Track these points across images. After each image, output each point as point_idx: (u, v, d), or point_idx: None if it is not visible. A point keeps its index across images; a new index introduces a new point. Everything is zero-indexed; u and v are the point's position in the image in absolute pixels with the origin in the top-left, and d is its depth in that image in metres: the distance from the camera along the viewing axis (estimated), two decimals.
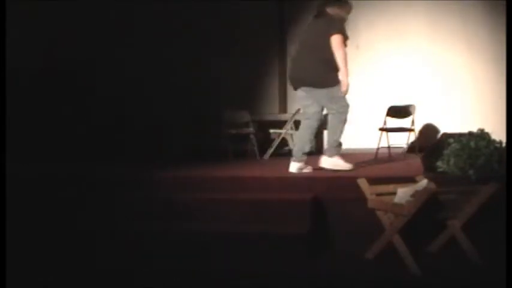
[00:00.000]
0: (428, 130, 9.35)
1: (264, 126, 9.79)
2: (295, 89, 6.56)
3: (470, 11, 9.61)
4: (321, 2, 6.44)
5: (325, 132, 6.74)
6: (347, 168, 6.35)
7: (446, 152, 4.67)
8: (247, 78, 10.36)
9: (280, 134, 9.28)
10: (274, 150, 9.19)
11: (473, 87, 9.61)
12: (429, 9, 9.76)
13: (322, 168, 6.38)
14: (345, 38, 6.25)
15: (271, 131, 9.75)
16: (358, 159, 7.78)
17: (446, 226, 4.90)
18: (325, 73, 6.26)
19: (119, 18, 10.27)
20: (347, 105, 6.33)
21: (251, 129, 9.57)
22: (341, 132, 6.41)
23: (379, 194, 4.93)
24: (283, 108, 10.17)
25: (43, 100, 9.69)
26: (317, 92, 6.34)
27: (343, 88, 6.21)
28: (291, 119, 9.17)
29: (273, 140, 9.40)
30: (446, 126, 8.88)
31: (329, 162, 6.41)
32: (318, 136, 9.76)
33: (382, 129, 8.83)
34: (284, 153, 9.69)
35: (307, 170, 6.47)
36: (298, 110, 9.13)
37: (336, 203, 5.44)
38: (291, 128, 9.15)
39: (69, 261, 4.95)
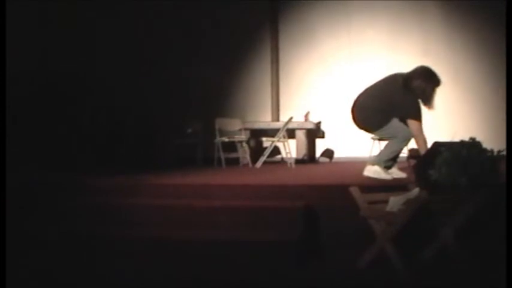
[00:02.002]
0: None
1: (256, 134, 9.81)
2: None
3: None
4: (409, 74, 6.33)
5: None
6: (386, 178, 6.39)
7: (438, 160, 4.67)
8: (240, 86, 10.39)
9: (272, 142, 9.28)
10: (267, 158, 9.19)
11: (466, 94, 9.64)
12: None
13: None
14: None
15: (264, 139, 9.76)
16: (350, 167, 7.78)
17: (438, 234, 4.90)
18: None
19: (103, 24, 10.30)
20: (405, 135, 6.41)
21: (243, 137, 9.59)
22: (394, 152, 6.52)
23: (371, 202, 4.93)
24: (276, 117, 10.18)
25: None
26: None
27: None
28: (284, 127, 9.17)
29: (266, 148, 9.40)
30: (437, 135, 8.88)
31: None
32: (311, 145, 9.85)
33: (374, 138, 8.83)
34: (276, 161, 9.72)
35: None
36: (291, 118, 9.15)
37: (328, 210, 5.43)
38: (284, 137, 9.15)
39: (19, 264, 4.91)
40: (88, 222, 5.60)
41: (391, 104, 6.34)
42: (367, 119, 6.50)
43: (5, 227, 4.64)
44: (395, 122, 6.41)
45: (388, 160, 6.51)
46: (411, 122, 6.28)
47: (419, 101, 6.24)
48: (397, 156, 6.56)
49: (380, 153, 6.68)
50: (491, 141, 8.55)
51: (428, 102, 6.23)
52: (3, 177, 5.15)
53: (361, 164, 8.41)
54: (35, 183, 6.63)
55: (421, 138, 6.21)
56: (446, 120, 9.17)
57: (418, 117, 6.26)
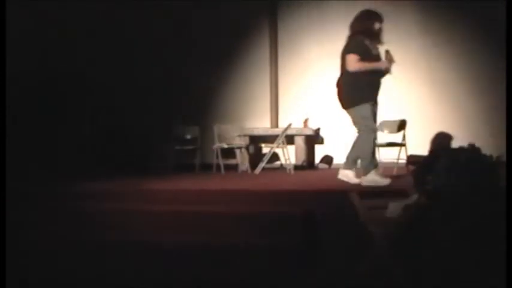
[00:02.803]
0: (420, 145, 9.35)
1: (255, 140, 9.82)
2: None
3: None
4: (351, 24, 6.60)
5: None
6: (353, 182, 6.49)
7: (437, 166, 4.67)
8: (239, 92, 10.41)
9: (271, 148, 9.29)
10: (266, 165, 9.19)
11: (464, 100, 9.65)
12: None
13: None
14: (365, 53, 6.39)
15: (263, 145, 9.77)
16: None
17: (436, 239, 4.89)
18: (347, 94, 6.48)
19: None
20: (369, 127, 6.45)
21: (242, 143, 9.60)
22: (371, 150, 6.51)
23: (370, 208, 4.93)
24: (275, 123, 10.19)
25: None
26: (348, 113, 6.55)
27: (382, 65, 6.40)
28: (283, 133, 9.17)
29: (265, 154, 9.41)
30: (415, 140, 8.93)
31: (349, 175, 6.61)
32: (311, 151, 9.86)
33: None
34: (275, 167, 9.73)
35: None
36: (290, 124, 9.16)
37: (327, 216, 5.43)
38: (283, 143, 9.16)
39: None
40: (80, 226, 5.59)
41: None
42: (340, 95, 6.58)
43: (5, 229, 4.63)
44: (364, 110, 6.41)
45: (371, 159, 6.51)
46: (347, 57, 6.39)
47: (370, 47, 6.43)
48: (373, 152, 6.56)
49: (361, 161, 6.60)
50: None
51: (378, 38, 6.47)
52: (3, 178, 5.13)
53: (360, 170, 8.47)
54: (30, 186, 6.64)
55: (355, 68, 6.34)
56: (423, 127, 9.34)
57: (353, 51, 6.36)
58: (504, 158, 4.75)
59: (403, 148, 8.78)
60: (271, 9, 10.26)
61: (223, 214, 5.59)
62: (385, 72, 6.49)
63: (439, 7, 9.74)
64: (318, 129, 9.96)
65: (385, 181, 6.44)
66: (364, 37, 6.46)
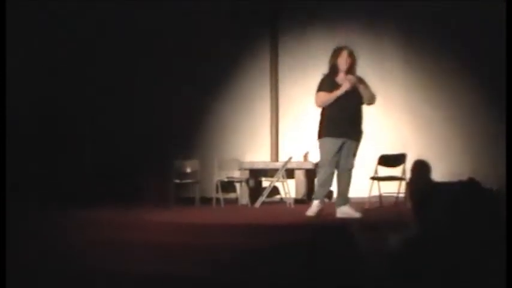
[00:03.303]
0: (419, 179, 9.33)
1: (255, 174, 9.81)
2: None
3: None
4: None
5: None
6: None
7: (436, 201, 4.66)
8: (239, 126, 10.42)
9: (271, 182, 9.28)
10: (266, 198, 9.17)
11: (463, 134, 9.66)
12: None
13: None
14: (332, 89, 6.65)
15: (263, 178, 9.76)
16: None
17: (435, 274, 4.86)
18: (318, 128, 6.81)
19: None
20: (323, 161, 6.78)
21: (242, 177, 9.59)
22: (320, 182, 6.93)
23: (370, 242, 4.90)
24: (275, 157, 10.18)
25: None
26: None
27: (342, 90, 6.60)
28: (283, 167, 9.18)
29: (265, 188, 9.39)
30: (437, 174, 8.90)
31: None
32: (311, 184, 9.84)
33: (373, 178, 8.85)
34: (275, 201, 9.70)
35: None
36: (290, 158, 9.17)
37: (326, 249, 5.39)
38: (283, 177, 9.15)
39: None
40: (73, 256, 5.55)
41: None
42: None
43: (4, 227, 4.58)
44: (323, 144, 6.73)
45: (322, 191, 6.89)
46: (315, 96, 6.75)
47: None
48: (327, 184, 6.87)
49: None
50: (439, 166, 8.74)
51: (351, 71, 6.67)
52: (3, 184, 5.11)
53: (360, 204, 8.45)
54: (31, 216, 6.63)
55: (319, 104, 6.73)
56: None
57: (317, 90, 6.72)
58: (504, 190, 4.73)
59: (403, 182, 8.76)
60: (272, 40, 10.31)
61: (220, 246, 5.56)
62: (352, 95, 6.61)
63: (422, 42, 9.82)
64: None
65: (357, 214, 6.67)
66: (332, 73, 6.69)
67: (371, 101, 6.78)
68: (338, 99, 6.58)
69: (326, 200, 9.98)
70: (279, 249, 5.39)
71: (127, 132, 10.56)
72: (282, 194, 9.55)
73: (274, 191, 9.61)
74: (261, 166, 9.82)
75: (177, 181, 9.65)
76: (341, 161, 6.73)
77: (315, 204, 6.79)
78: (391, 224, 5.64)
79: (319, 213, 6.76)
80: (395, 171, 8.91)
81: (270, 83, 10.22)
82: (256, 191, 9.60)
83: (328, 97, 6.59)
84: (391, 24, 9.91)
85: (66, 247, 5.74)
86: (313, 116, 10.02)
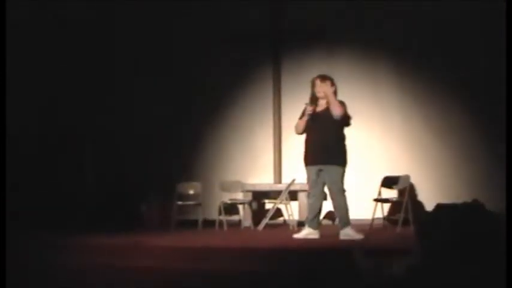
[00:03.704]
0: (423, 201, 9.29)
1: (258, 196, 9.75)
2: None
3: None
4: None
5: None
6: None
7: (439, 224, 4.62)
8: (242, 148, 10.39)
9: (274, 204, 9.22)
10: (269, 221, 9.11)
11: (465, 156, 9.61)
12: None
13: None
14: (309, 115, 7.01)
15: (266, 201, 9.70)
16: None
17: None
18: None
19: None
20: (309, 189, 7.21)
21: (245, 199, 9.54)
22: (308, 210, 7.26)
23: (374, 266, 4.84)
24: (278, 179, 10.12)
25: None
26: None
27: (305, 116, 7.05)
28: (286, 189, 9.13)
29: (268, 210, 9.33)
30: (440, 197, 8.84)
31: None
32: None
33: (376, 200, 8.79)
34: (279, 223, 9.63)
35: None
36: (293, 180, 9.12)
37: (328, 275, 5.33)
38: (286, 199, 9.10)
39: None
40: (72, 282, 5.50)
41: None
42: None
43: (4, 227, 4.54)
44: (307, 173, 7.20)
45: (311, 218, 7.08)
46: None
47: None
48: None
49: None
50: (439, 188, 8.68)
51: (319, 94, 7.04)
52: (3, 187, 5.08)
53: (364, 226, 8.39)
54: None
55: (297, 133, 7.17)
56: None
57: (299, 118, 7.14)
58: (504, 213, 4.70)
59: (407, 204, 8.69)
60: (275, 63, 10.29)
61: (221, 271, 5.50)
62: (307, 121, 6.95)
63: (416, 65, 9.82)
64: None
65: (358, 236, 6.80)
66: (312, 102, 7.01)
67: (336, 112, 6.87)
68: (312, 127, 6.89)
69: (330, 222, 9.97)
70: (278, 273, 5.34)
71: (129, 155, 10.55)
72: (285, 216, 9.51)
73: (278, 213, 9.56)
74: (264, 188, 9.77)
75: (180, 203, 9.59)
76: (327, 187, 6.95)
77: (305, 231, 7.04)
78: (394, 248, 5.56)
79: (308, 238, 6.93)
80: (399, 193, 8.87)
81: (272, 106, 10.19)
82: (259, 213, 9.54)
83: (297, 126, 7.08)
84: (386, 48, 9.90)
85: (60, 272, 5.70)
86: None
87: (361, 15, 9.81)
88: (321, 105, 6.99)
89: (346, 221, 6.91)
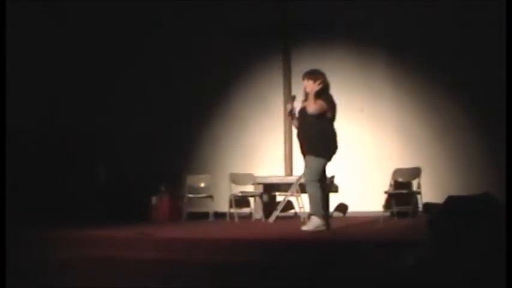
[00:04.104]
0: (435, 193, 9.24)
1: (269, 188, 9.74)
2: None
3: None
4: None
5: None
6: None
7: (452, 216, 4.59)
8: (253, 141, 10.38)
9: (285, 196, 9.21)
10: (280, 213, 9.10)
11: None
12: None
13: None
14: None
15: (277, 193, 9.69)
16: (364, 222, 7.69)
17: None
18: None
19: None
20: None
21: (256, 192, 9.54)
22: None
23: (383, 258, 4.84)
24: (289, 171, 10.11)
25: None
26: None
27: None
28: (297, 182, 9.11)
29: (279, 202, 9.32)
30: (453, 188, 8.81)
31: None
32: None
33: (387, 193, 8.77)
34: (290, 216, 9.63)
35: None
36: None
37: (336, 266, 5.32)
38: (297, 191, 9.08)
39: None
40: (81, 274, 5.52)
41: None
42: None
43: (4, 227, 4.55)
44: None
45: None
46: None
47: None
48: None
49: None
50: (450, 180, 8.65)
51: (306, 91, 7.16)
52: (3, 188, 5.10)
53: (374, 218, 8.38)
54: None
55: None
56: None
57: None
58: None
59: (418, 196, 8.68)
60: (285, 55, 10.27)
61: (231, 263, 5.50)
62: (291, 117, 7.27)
63: (410, 63, 9.87)
64: (333, 177, 9.85)
65: (322, 227, 6.88)
66: (305, 99, 7.13)
67: (309, 110, 7.01)
68: (299, 122, 7.21)
69: (341, 215, 9.97)
70: (289, 265, 5.33)
71: (139, 147, 10.59)
72: (296, 209, 9.49)
73: (289, 205, 9.55)
74: (275, 180, 9.75)
75: (190, 195, 9.61)
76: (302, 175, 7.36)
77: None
78: (405, 240, 5.54)
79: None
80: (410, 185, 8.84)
81: (283, 98, 10.17)
82: (270, 205, 9.53)
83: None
84: (380, 43, 9.94)
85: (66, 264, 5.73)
86: None
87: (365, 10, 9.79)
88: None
89: (317, 211, 6.97)
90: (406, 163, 9.16)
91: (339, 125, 9.89)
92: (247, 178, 9.62)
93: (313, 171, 6.97)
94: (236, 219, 9.12)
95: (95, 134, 10.48)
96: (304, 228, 6.95)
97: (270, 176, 9.83)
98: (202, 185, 9.79)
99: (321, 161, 6.98)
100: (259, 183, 9.65)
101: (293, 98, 7.35)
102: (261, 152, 10.35)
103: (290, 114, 7.24)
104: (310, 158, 6.96)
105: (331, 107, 7.10)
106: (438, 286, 4.64)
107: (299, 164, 9.91)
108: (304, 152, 7.06)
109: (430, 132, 9.61)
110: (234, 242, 6.34)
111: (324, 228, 6.88)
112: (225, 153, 10.46)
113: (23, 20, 9.21)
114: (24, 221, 8.06)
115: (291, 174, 9.99)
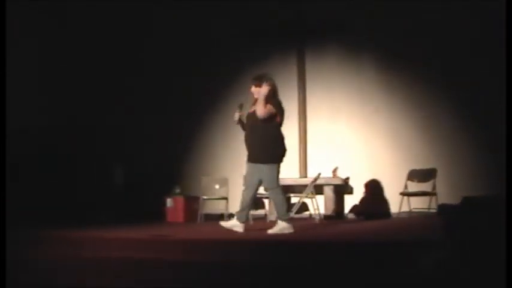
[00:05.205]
0: (450, 193, 9.22)
1: (284, 190, 9.71)
2: None
3: None
4: None
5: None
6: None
7: (466, 216, 4.59)
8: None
9: (300, 198, 9.21)
10: (295, 215, 9.10)
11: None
12: None
13: None
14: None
15: (292, 195, 9.68)
16: (379, 223, 7.68)
17: None
18: None
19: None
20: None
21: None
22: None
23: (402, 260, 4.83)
24: (304, 173, 10.11)
25: None
26: None
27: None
28: (312, 183, 9.11)
29: (293, 204, 9.32)
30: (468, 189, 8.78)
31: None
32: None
33: (403, 194, 8.75)
34: (304, 217, 9.63)
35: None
36: (319, 174, 9.11)
37: (353, 269, 5.32)
38: (311, 193, 9.08)
39: None
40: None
41: None
42: None
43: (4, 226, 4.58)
44: None
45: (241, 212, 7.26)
46: None
47: None
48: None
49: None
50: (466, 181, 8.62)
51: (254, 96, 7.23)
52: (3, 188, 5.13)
53: (389, 220, 8.37)
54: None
55: None
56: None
57: None
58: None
59: (433, 197, 8.66)
60: (300, 57, 10.27)
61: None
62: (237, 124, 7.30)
63: (401, 64, 9.86)
64: (347, 178, 9.86)
65: (289, 230, 6.99)
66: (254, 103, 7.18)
67: (257, 113, 7.05)
68: (247, 126, 7.24)
69: (355, 217, 9.96)
70: (307, 266, 5.34)
71: (153, 148, 10.65)
72: (311, 210, 9.49)
73: (303, 207, 9.54)
74: (289, 182, 9.74)
75: (205, 197, 9.64)
76: (263, 184, 7.31)
77: (231, 222, 7.29)
78: (422, 241, 5.54)
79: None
80: (426, 186, 8.83)
81: (297, 99, 10.17)
82: None
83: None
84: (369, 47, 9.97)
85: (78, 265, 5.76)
86: (342, 132, 10.06)
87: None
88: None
89: (281, 215, 7.15)
90: (422, 164, 9.15)
91: (352, 125, 9.99)
92: None
93: (273, 179, 7.17)
94: (251, 221, 9.11)
95: (111, 135, 10.53)
96: (270, 231, 7.06)
97: (284, 178, 9.82)
98: (217, 186, 9.82)
99: (276, 167, 7.18)
100: None
101: (240, 106, 7.34)
102: None
103: (238, 122, 7.27)
104: (266, 166, 7.08)
105: (280, 112, 7.17)
106: (455, 286, 4.64)
107: (314, 166, 9.95)
108: (253, 158, 7.12)
109: (445, 132, 9.56)
110: (250, 243, 6.34)
111: (290, 230, 7.04)
112: (240, 155, 10.43)
113: (23, 20, 9.24)
114: (41, 221, 8.13)
115: (305, 176, 9.99)
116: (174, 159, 10.66)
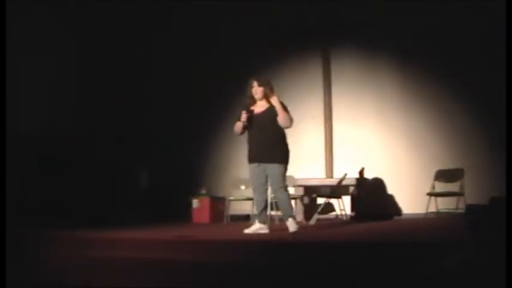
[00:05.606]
0: (478, 194, 9.14)
1: (310, 190, 9.73)
2: None
3: None
4: None
5: None
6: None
7: (493, 216, 4.55)
8: (294, 143, 10.36)
9: (326, 199, 9.20)
10: (321, 215, 9.09)
11: None
12: None
13: None
14: None
15: (318, 195, 9.68)
16: (407, 224, 7.62)
17: None
18: None
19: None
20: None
21: (296, 194, 9.53)
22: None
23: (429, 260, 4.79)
24: (330, 173, 10.09)
25: None
26: None
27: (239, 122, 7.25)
28: (338, 183, 9.09)
29: (320, 205, 9.31)
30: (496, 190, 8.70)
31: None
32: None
33: (430, 194, 8.69)
34: (331, 218, 9.61)
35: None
36: (345, 174, 9.08)
37: (379, 269, 5.29)
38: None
39: None
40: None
41: None
42: None
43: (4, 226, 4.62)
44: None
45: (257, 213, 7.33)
46: None
47: None
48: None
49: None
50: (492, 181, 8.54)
51: (256, 95, 7.20)
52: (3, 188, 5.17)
53: (417, 220, 8.31)
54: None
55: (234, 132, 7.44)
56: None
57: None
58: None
59: (461, 197, 8.60)
60: (325, 58, 10.26)
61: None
62: (243, 125, 7.16)
63: (418, 65, 9.87)
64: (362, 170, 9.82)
65: (295, 229, 7.03)
66: (249, 103, 7.20)
67: (284, 124, 7.11)
68: (254, 127, 7.12)
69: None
70: (332, 266, 5.32)
71: (178, 149, 10.71)
72: (337, 211, 9.47)
73: (330, 207, 9.52)
74: (315, 183, 9.74)
75: (231, 198, 9.67)
76: (270, 184, 7.23)
77: (255, 226, 7.28)
78: (448, 241, 5.49)
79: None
80: (453, 186, 8.76)
81: (323, 100, 10.17)
82: (311, 207, 9.52)
83: (236, 125, 7.23)
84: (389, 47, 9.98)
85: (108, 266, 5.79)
86: (367, 133, 10.02)
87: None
88: (262, 105, 7.20)
89: (289, 215, 7.19)
90: (449, 164, 9.09)
91: (377, 126, 9.94)
92: (288, 180, 9.59)
93: (282, 178, 7.16)
94: (276, 222, 9.13)
95: (138, 137, 10.60)
96: (292, 230, 7.07)
97: (310, 178, 9.83)
98: (242, 187, 9.84)
99: (285, 166, 7.16)
100: (299, 186, 9.66)
101: (247, 107, 7.25)
102: (301, 154, 10.33)
103: (246, 123, 7.17)
104: (275, 166, 7.08)
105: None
106: (481, 286, 4.60)
107: (340, 167, 9.92)
108: (262, 158, 7.10)
109: (472, 133, 9.48)
110: (275, 244, 6.34)
111: (266, 231, 7.19)
112: None
113: (23, 20, 9.31)
114: (68, 222, 8.20)
115: (331, 177, 9.97)
116: (199, 160, 10.71)
